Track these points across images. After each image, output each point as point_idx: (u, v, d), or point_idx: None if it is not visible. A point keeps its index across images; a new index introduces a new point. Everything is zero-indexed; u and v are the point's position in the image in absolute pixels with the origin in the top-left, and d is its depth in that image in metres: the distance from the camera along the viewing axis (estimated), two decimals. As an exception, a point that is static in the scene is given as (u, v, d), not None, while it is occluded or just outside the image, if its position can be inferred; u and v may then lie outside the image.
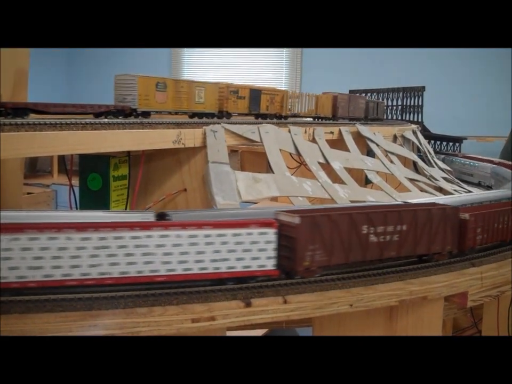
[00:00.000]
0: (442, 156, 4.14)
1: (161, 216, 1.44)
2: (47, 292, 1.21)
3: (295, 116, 2.83)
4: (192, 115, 2.20)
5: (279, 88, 2.77)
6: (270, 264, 1.41)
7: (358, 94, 3.46)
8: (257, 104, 2.53)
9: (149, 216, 1.43)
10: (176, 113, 2.14)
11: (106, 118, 1.79)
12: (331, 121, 3.07)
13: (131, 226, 1.26)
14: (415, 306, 1.68)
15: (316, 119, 3.04)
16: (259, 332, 2.45)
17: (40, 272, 1.18)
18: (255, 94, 2.51)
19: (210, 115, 2.27)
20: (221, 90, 2.31)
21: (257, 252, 1.39)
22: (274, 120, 2.62)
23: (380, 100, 5.00)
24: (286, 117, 2.73)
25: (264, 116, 2.61)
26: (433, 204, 1.84)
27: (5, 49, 1.81)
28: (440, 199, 2.29)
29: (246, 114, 2.49)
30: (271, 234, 1.41)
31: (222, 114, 2.32)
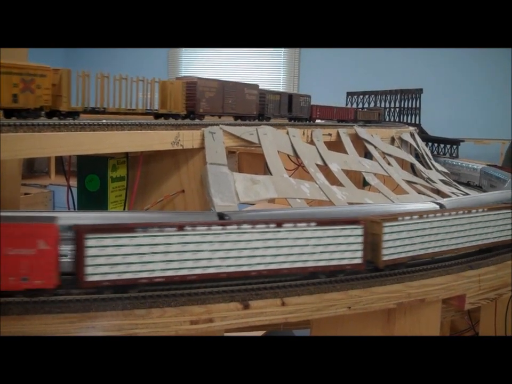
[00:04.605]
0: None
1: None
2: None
3: (97, 111, 1.79)
4: None
5: (46, 66, 1.56)
6: None
7: (250, 83, 2.45)
8: None
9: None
10: None
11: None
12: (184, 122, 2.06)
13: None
14: (413, 308, 1.68)
15: (162, 118, 2.04)
16: (256, 334, 2.44)
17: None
18: None
19: None
20: None
21: None
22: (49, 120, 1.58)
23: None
24: (73, 114, 1.66)
25: (18, 113, 1.51)
26: None
27: (4, 49, 1.80)
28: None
29: None
30: None
31: None
